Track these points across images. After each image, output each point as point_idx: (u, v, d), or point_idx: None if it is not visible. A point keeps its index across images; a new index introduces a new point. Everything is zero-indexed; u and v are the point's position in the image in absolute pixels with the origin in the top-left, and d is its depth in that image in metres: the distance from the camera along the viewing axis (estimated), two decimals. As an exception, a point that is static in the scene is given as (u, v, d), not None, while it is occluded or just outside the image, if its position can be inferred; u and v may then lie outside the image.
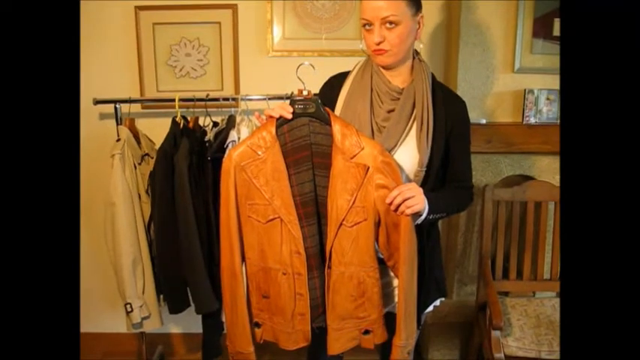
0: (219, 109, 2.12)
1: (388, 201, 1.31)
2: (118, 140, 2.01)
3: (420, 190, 1.32)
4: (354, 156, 1.33)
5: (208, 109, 2.07)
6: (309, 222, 1.39)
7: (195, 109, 2.07)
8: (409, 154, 1.42)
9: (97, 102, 2.12)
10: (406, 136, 1.42)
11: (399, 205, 1.30)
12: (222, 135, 1.97)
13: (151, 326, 2.09)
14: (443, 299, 1.63)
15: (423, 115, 1.40)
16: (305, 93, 1.37)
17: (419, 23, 1.40)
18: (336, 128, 1.35)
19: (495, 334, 1.93)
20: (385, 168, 1.33)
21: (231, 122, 2.01)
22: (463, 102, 1.49)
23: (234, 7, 2.24)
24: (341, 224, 1.35)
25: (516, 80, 2.21)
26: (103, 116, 2.33)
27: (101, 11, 2.25)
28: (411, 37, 1.39)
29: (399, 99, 1.42)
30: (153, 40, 2.27)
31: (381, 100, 1.44)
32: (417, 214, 1.34)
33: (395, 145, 1.42)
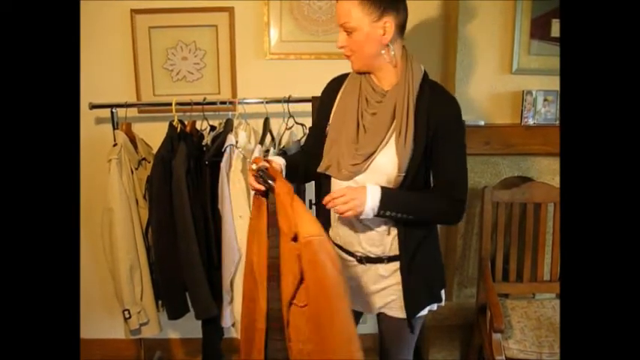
0: (217, 113, 2.11)
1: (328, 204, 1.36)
2: (115, 145, 1.99)
3: (360, 190, 1.33)
4: (292, 238, 1.27)
5: (205, 113, 2.06)
6: (273, 286, 1.36)
7: (192, 113, 2.06)
8: (389, 159, 1.38)
9: (93, 106, 2.10)
10: (388, 140, 1.39)
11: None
12: (220, 139, 1.95)
13: (150, 332, 2.08)
14: (440, 304, 1.58)
15: (402, 118, 1.36)
16: (262, 164, 1.34)
17: (384, 29, 1.33)
18: (279, 207, 1.30)
19: (496, 336, 1.92)
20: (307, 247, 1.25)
21: (228, 126, 2.00)
22: (453, 101, 1.42)
23: (230, 10, 2.23)
24: (290, 304, 1.31)
25: (514, 81, 2.20)
26: (99, 120, 2.32)
27: (97, 15, 2.24)
28: (371, 44, 1.35)
29: (382, 102, 1.40)
30: (149, 43, 2.25)
31: (367, 102, 1.42)
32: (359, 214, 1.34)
33: (375, 150, 1.39)
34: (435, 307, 1.58)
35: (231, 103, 2.10)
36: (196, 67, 2.29)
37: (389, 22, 1.33)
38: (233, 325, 1.95)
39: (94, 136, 2.31)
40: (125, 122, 2.09)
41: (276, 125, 2.13)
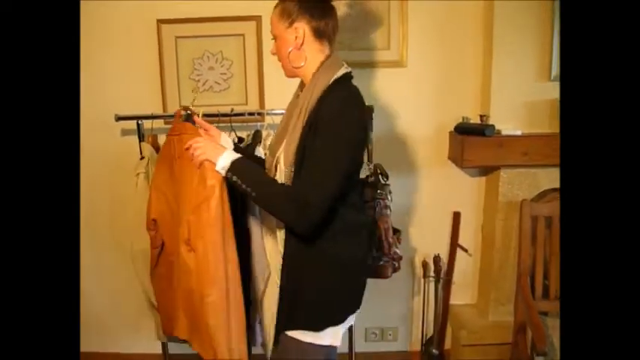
0: (245, 124, 2.06)
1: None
2: (142, 158, 1.95)
3: (219, 147, 1.45)
4: None
5: (233, 124, 2.01)
6: None
7: (220, 125, 2.01)
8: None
9: (118, 118, 2.07)
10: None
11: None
12: (248, 151, 1.90)
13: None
14: (315, 334, 1.40)
15: (294, 119, 1.39)
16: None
17: (296, 35, 1.37)
18: None
19: (539, 359, 1.82)
20: None
21: (257, 138, 1.94)
22: (339, 101, 1.32)
23: (258, 19, 2.18)
24: None
25: (553, 89, 2.12)
26: (125, 132, 2.29)
27: (123, 25, 2.22)
28: (287, 50, 1.39)
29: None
30: (175, 53, 2.22)
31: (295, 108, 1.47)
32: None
33: (279, 148, 1.44)
34: (325, 340, 1.40)
35: (259, 114, 2.05)
36: (223, 77, 2.24)
37: (300, 28, 1.37)
38: (262, 344, 1.88)
39: (120, 147, 2.28)
40: (151, 134, 2.05)
41: (305, 136, 2.06)
